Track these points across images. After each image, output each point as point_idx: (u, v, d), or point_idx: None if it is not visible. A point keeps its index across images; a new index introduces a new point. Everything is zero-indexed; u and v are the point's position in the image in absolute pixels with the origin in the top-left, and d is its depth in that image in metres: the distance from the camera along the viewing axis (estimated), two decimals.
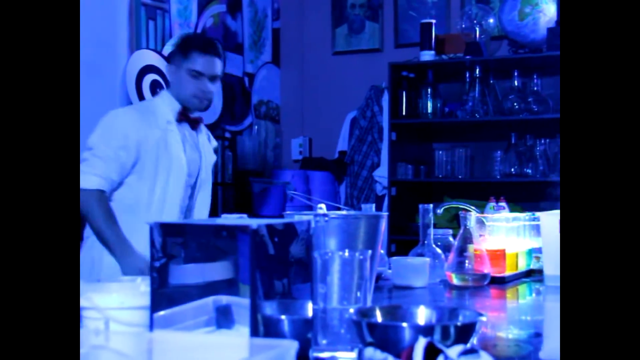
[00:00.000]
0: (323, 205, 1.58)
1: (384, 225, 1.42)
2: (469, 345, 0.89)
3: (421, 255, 1.90)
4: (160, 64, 3.63)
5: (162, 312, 1.00)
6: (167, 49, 3.76)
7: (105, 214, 2.27)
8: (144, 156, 2.34)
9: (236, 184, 4.27)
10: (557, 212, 1.94)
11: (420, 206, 1.92)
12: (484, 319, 0.97)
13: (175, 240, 1.05)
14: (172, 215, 2.37)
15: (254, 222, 0.96)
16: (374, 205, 2.11)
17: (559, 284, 1.84)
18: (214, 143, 2.73)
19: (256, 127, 4.51)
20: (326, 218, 1.32)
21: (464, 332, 0.93)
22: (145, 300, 1.00)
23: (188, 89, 2.42)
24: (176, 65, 2.46)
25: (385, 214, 1.44)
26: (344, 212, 1.51)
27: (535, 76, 3.89)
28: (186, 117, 2.49)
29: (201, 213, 2.55)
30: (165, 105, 2.47)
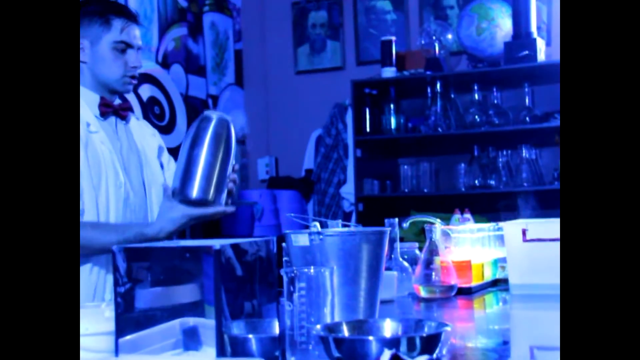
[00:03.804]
0: (317, 223, 1.58)
1: (387, 241, 1.38)
2: (434, 355, 0.90)
3: (389, 269, 1.92)
4: None
5: (127, 337, 0.99)
6: None
7: (89, 227, 1.76)
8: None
9: None
10: (520, 221, 1.97)
11: (386, 221, 1.93)
12: (448, 329, 0.98)
13: (140, 265, 1.05)
14: None
15: (217, 243, 0.97)
16: (340, 221, 2.12)
17: (524, 292, 1.86)
18: (149, 128, 2.12)
19: None
20: (321, 236, 1.32)
21: (430, 343, 0.94)
22: (110, 326, 0.99)
23: (115, 67, 1.87)
24: (91, 40, 1.86)
25: (388, 229, 1.41)
26: (345, 229, 1.49)
27: (494, 89, 3.96)
28: (112, 107, 1.92)
29: None
30: (83, 101, 1.87)
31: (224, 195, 1.77)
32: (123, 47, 1.88)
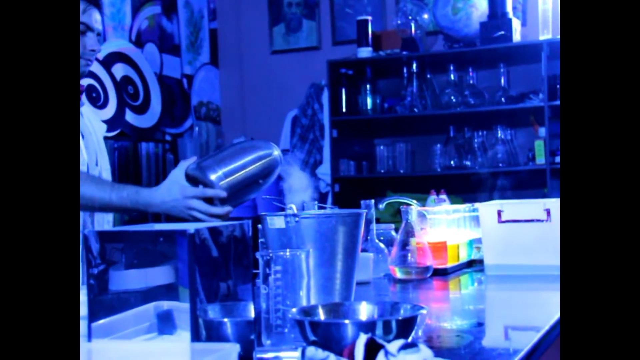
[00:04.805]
0: (293, 206, 1.57)
1: (363, 223, 1.39)
2: (409, 339, 0.90)
3: (365, 250, 1.92)
4: (95, 70, 3.55)
5: (100, 321, 0.98)
6: (101, 55, 3.68)
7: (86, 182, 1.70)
8: None
9: None
10: (495, 202, 1.98)
11: (362, 202, 1.93)
12: (424, 312, 0.98)
13: (114, 246, 1.03)
14: None
15: (192, 227, 0.95)
16: (316, 203, 2.11)
17: (499, 273, 1.88)
18: (94, 114, 2.15)
19: (197, 128, 4.46)
20: (296, 218, 1.31)
21: (405, 326, 0.94)
22: (83, 310, 0.98)
23: None
24: None
25: (364, 211, 1.41)
26: (321, 211, 1.48)
27: (470, 70, 3.96)
28: None
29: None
30: None
31: (233, 202, 1.69)
32: (83, 28, 1.86)
